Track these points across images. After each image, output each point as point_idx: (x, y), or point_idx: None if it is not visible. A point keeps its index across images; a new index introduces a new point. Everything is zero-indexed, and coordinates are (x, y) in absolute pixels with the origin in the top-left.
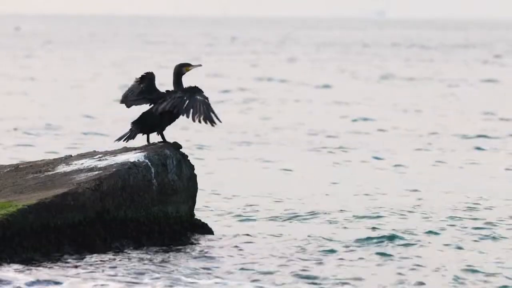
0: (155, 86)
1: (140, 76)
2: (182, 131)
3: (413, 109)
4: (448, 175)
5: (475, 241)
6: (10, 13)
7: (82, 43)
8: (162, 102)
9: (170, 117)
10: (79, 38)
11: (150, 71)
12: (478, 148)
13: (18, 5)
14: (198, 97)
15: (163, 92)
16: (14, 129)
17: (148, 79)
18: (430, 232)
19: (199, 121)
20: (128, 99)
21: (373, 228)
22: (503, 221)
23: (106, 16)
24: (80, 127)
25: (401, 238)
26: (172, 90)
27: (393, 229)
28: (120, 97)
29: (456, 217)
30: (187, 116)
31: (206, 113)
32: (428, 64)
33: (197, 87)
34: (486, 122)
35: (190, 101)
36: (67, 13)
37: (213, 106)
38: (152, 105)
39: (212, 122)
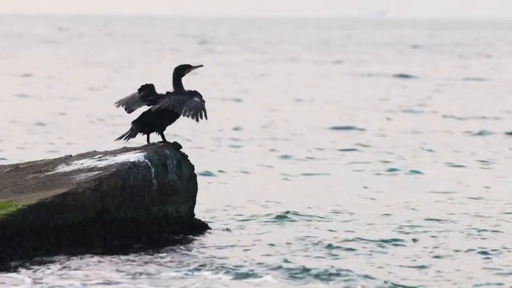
0: (154, 91)
1: (140, 87)
2: (182, 131)
3: (400, 108)
4: (438, 176)
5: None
6: (10, 13)
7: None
8: (160, 101)
9: (170, 117)
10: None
11: (150, 83)
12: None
13: (18, 5)
14: (195, 99)
15: (162, 94)
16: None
17: (148, 87)
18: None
19: (187, 116)
20: (129, 105)
21: (369, 229)
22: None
23: (106, 16)
24: (80, 126)
25: (398, 240)
26: (172, 92)
27: (388, 229)
28: (116, 101)
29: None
30: (179, 113)
31: (195, 111)
32: (418, 63)
33: (197, 91)
34: (467, 122)
35: (185, 101)
36: (66, 13)
37: (207, 107)
38: (152, 105)
39: (199, 118)
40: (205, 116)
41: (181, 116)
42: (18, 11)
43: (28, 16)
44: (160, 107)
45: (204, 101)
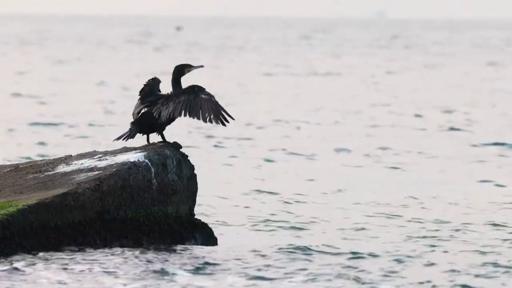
0: (155, 90)
1: (141, 87)
2: (183, 130)
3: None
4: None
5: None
6: (9, 14)
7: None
8: (164, 107)
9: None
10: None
11: (154, 77)
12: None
13: (16, 5)
14: (202, 96)
15: (162, 94)
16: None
17: (148, 85)
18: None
19: (210, 121)
20: (134, 112)
21: (368, 232)
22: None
23: (112, 16)
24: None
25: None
26: (172, 93)
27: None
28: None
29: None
30: (198, 118)
31: (216, 112)
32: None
33: (198, 85)
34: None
35: (196, 102)
36: (62, 14)
37: (220, 103)
38: (151, 105)
39: (224, 121)
40: (229, 116)
41: (190, 119)
42: (18, 12)
43: (28, 17)
44: (169, 116)
45: (213, 96)
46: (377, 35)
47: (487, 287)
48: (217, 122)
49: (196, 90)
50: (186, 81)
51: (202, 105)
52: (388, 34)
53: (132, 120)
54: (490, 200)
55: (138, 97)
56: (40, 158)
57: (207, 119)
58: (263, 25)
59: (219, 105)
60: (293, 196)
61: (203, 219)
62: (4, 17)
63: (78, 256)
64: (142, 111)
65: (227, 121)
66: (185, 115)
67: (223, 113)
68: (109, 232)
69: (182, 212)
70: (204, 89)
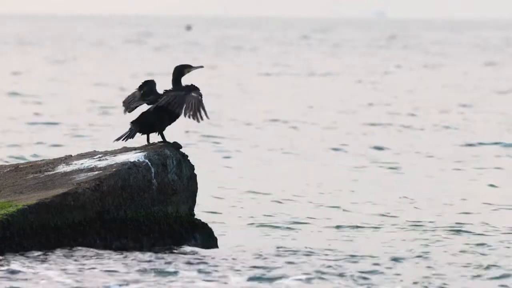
0: (155, 90)
1: (140, 84)
2: (181, 131)
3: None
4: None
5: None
6: (9, 14)
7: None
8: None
9: (170, 117)
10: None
11: (151, 79)
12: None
13: (16, 5)
14: (193, 94)
15: (161, 93)
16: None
17: (148, 85)
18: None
19: (189, 117)
20: (129, 105)
21: (364, 234)
22: None
23: (112, 16)
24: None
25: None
26: (169, 89)
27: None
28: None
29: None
30: (179, 113)
31: (195, 110)
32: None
33: (194, 85)
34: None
35: (184, 98)
36: (62, 14)
37: (204, 102)
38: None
39: (199, 118)
40: (206, 115)
41: (183, 116)
42: (16, 12)
43: (29, 17)
44: (158, 105)
45: (201, 95)
46: (377, 35)
47: (485, 287)
48: (194, 118)
49: (191, 89)
50: (186, 81)
51: (187, 101)
52: (387, 34)
53: (124, 111)
54: (488, 201)
55: (137, 91)
56: (39, 158)
57: (186, 115)
58: (263, 25)
59: (201, 104)
60: (293, 197)
61: (203, 219)
62: (4, 17)
63: (78, 256)
64: (142, 110)
65: (202, 119)
66: (170, 109)
67: (202, 111)
68: (109, 232)
69: (182, 212)
70: (198, 89)
